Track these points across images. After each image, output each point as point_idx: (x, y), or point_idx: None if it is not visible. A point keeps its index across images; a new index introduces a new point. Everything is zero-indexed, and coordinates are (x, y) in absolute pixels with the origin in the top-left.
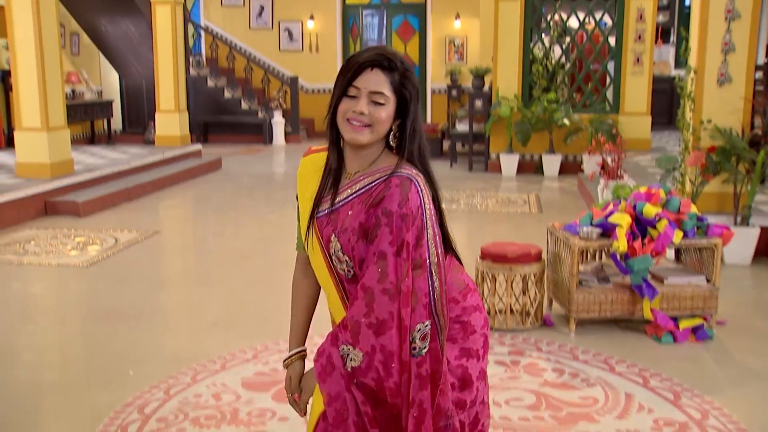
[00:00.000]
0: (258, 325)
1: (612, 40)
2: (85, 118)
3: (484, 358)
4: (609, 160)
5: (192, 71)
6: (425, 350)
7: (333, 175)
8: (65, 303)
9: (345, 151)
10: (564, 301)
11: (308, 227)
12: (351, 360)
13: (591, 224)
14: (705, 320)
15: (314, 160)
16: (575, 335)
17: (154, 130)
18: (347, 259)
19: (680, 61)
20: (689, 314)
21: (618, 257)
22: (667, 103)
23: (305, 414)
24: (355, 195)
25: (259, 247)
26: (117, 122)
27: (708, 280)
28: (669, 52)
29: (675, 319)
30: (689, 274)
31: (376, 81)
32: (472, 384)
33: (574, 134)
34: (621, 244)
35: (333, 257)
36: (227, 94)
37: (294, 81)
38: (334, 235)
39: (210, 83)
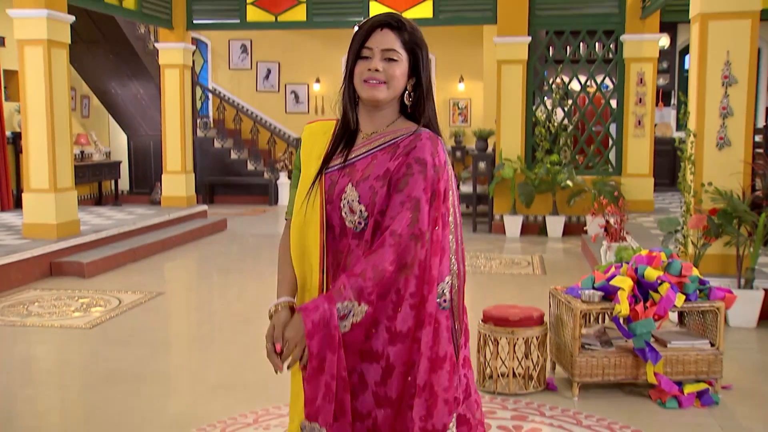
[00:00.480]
0: (259, 390)
1: (613, 103)
2: (93, 179)
3: (466, 345)
4: (612, 221)
5: (199, 132)
6: (449, 304)
7: (347, 135)
8: (67, 366)
9: (360, 114)
10: (567, 365)
11: (312, 183)
12: (353, 316)
13: (593, 287)
14: (710, 385)
15: (321, 125)
16: (579, 399)
17: (161, 191)
18: (362, 208)
19: (681, 124)
20: (694, 379)
21: (620, 321)
22: (669, 165)
23: (282, 369)
24: (376, 149)
25: (262, 310)
26: (124, 183)
27: (712, 344)
28: (670, 114)
29: (679, 384)
30: (693, 338)
31: (387, 40)
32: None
33: (577, 196)
34: (623, 307)
35: (344, 208)
36: (233, 155)
37: (299, 142)
38: (350, 185)
39: (217, 144)
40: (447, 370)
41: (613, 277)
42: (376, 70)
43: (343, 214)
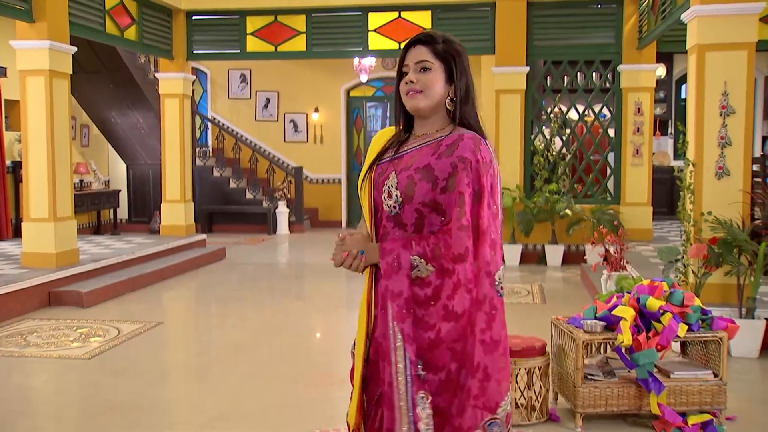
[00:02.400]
0: (258, 420)
1: (611, 132)
2: (92, 208)
3: None
4: (611, 251)
5: (198, 161)
6: (503, 292)
7: (400, 136)
8: (64, 397)
9: (416, 123)
10: (569, 396)
11: (366, 171)
12: (419, 271)
13: (595, 317)
14: (714, 416)
15: (388, 130)
16: (582, 431)
17: (160, 220)
18: (398, 194)
19: (680, 153)
20: (697, 410)
21: (623, 351)
22: (667, 193)
23: (340, 264)
24: (422, 144)
25: (260, 340)
26: (123, 212)
27: (715, 375)
28: (667, 143)
29: (683, 415)
30: (696, 368)
31: (419, 53)
32: None
33: (576, 225)
34: (625, 337)
35: (385, 193)
36: (232, 184)
37: (298, 171)
38: (393, 173)
39: (216, 173)
40: (500, 353)
41: (615, 307)
42: (411, 81)
43: (383, 198)
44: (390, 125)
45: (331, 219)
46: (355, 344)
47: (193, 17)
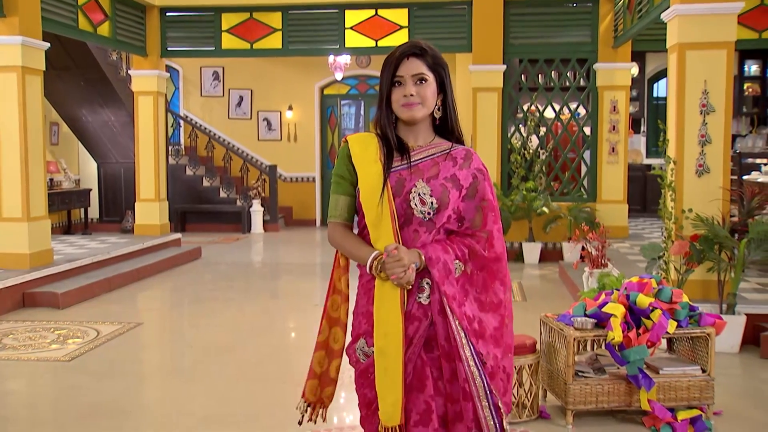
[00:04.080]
0: (248, 421)
1: (587, 130)
2: (63, 207)
3: None
4: (588, 248)
5: (171, 160)
6: None
7: (397, 145)
8: (46, 400)
9: (401, 131)
10: (560, 393)
11: (384, 182)
12: (456, 272)
13: (585, 314)
14: (702, 411)
15: (363, 136)
16: (573, 427)
17: (132, 219)
18: (433, 201)
19: (651, 150)
20: (686, 405)
21: (614, 348)
22: (640, 191)
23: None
24: (434, 155)
25: (244, 340)
26: (94, 211)
27: (703, 370)
28: (640, 141)
29: (672, 410)
30: (684, 364)
31: (415, 66)
32: None
33: (553, 222)
34: (616, 334)
35: (415, 199)
36: (205, 183)
37: (273, 169)
38: (421, 181)
39: (188, 172)
40: (509, 355)
41: (604, 304)
42: (411, 95)
43: (413, 204)
44: (365, 123)
45: (306, 218)
46: (365, 347)
47: (167, 14)
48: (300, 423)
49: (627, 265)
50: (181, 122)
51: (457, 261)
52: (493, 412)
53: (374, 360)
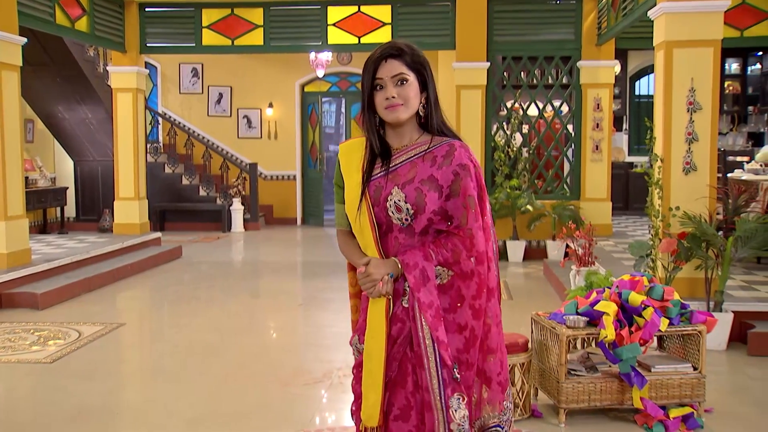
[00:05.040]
0: (237, 421)
1: (571, 128)
2: (39, 206)
3: None
4: (573, 246)
5: (149, 158)
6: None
7: (380, 150)
8: (30, 403)
9: (387, 134)
10: (552, 391)
11: (361, 193)
12: (440, 278)
13: (576, 312)
14: (693, 408)
15: (353, 142)
16: (565, 426)
17: (110, 218)
18: (408, 207)
19: (633, 148)
20: (677, 403)
21: (606, 346)
22: (622, 189)
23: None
24: (414, 157)
25: (229, 340)
26: (70, 210)
27: (694, 368)
28: (622, 138)
29: (663, 408)
30: (675, 362)
31: (393, 67)
32: None
33: (537, 220)
34: (609, 332)
35: (391, 207)
36: (185, 181)
37: (253, 168)
38: (396, 188)
39: (168, 170)
40: (501, 329)
41: (596, 302)
42: (393, 97)
43: (390, 213)
44: (346, 120)
45: (286, 216)
46: (358, 344)
47: (146, 9)
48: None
49: (612, 263)
50: (160, 120)
51: (441, 267)
52: (447, 428)
53: (362, 359)
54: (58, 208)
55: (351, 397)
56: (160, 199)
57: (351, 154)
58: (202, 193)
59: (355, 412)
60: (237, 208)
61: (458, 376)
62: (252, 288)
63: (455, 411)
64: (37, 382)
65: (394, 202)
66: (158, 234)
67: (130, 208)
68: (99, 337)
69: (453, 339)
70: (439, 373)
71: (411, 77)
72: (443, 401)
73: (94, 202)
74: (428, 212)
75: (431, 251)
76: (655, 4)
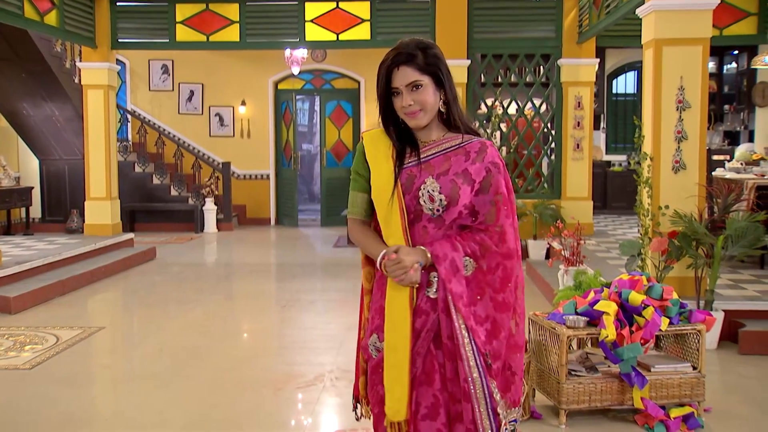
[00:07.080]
0: (230, 427)
1: (551, 127)
2: (3, 206)
3: None
4: (555, 245)
5: (119, 157)
6: None
7: (409, 142)
8: (10, 411)
9: (414, 129)
10: (552, 392)
11: (395, 180)
12: (466, 270)
13: (576, 312)
14: (693, 408)
15: (376, 132)
16: (566, 427)
17: (78, 219)
18: (442, 198)
19: (611, 147)
20: (677, 402)
21: (607, 346)
22: (600, 187)
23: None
24: (446, 150)
25: (213, 343)
26: (36, 210)
27: (694, 368)
28: (600, 137)
29: (663, 408)
30: (674, 362)
31: (405, 75)
32: None
33: (518, 219)
34: (610, 332)
35: (424, 196)
36: (155, 181)
37: (226, 167)
38: (431, 178)
39: (137, 169)
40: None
41: (596, 302)
42: (409, 105)
43: (422, 201)
44: (320, 118)
45: (260, 216)
46: (378, 342)
47: (118, 3)
48: (358, 419)
49: (598, 262)
50: (129, 117)
51: (468, 258)
52: (491, 416)
53: (384, 355)
54: (23, 209)
55: (346, 400)
56: (130, 199)
57: (377, 143)
58: (173, 192)
59: (378, 418)
60: (210, 209)
61: (490, 362)
62: (231, 290)
63: (497, 395)
64: (17, 389)
65: (428, 191)
66: (131, 235)
67: (101, 208)
68: (78, 342)
69: (477, 330)
70: (478, 362)
71: (425, 80)
72: (486, 389)
73: (61, 203)
74: (460, 205)
75: (457, 242)
76: (643, 2)
